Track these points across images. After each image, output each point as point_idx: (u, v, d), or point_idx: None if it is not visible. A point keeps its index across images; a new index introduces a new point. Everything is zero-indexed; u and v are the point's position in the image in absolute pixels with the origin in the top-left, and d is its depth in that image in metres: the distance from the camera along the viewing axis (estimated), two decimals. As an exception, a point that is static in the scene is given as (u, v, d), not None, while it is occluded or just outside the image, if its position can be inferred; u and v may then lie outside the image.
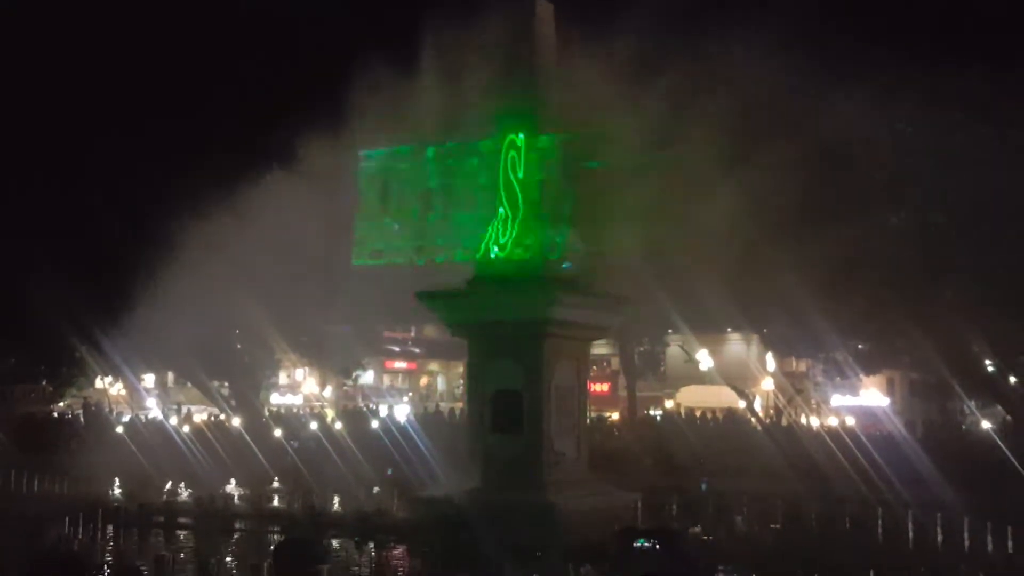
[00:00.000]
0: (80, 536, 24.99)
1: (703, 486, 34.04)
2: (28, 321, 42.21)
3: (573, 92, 25.09)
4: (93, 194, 42.37)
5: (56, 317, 41.17)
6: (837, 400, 59.69)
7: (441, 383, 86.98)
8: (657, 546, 20.70)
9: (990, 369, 45.12)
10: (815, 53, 28.10)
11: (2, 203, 41.41)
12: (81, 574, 7.56)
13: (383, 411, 53.95)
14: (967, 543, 23.26)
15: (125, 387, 65.92)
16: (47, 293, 38.89)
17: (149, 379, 66.83)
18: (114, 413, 54.55)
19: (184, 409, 56.33)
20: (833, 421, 51.71)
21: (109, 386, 67.02)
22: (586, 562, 19.01)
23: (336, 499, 29.74)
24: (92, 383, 63.19)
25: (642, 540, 20.50)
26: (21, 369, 53.22)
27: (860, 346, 48.64)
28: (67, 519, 26.11)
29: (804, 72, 28.21)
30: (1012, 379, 45.38)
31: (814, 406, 59.97)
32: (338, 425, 45.04)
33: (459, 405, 48.98)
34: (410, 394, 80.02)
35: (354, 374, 64.40)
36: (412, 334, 79.78)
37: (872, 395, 59.19)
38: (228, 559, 22.52)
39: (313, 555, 18.50)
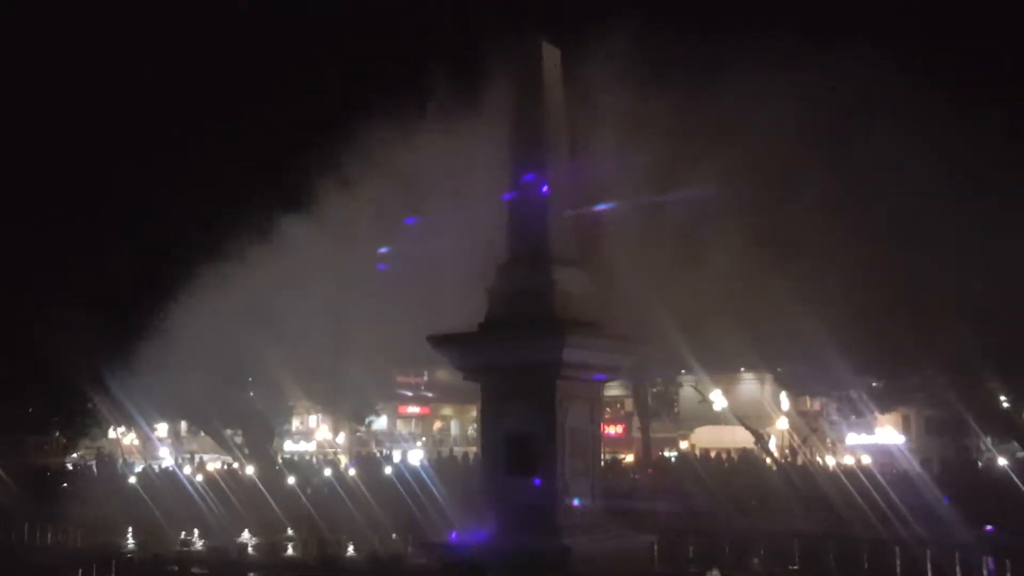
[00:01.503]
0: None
1: None
2: (43, 371, 42.31)
3: (583, 137, 25.09)
4: (106, 243, 42.55)
5: (70, 367, 41.26)
6: (852, 439, 59.42)
7: (455, 427, 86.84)
8: None
9: (1005, 405, 44.97)
10: (827, 88, 28.15)
11: (17, 254, 41.58)
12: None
13: (397, 456, 53.84)
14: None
15: (138, 437, 66.03)
16: (61, 343, 39.00)
17: (162, 428, 66.80)
18: (127, 463, 54.54)
19: (197, 458, 56.32)
20: (849, 460, 51.47)
21: (122, 436, 67.12)
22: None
23: (350, 546, 29.64)
24: (105, 433, 63.28)
25: None
26: (36, 419, 53.26)
27: (874, 384, 48.51)
28: (80, 570, 26.06)
29: (815, 110, 28.26)
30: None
31: (829, 445, 59.72)
32: (352, 471, 44.95)
33: (473, 449, 48.83)
34: (424, 439, 79.85)
35: (367, 420, 64.37)
36: (425, 378, 79.76)
37: (887, 433, 58.95)
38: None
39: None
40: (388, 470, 43.55)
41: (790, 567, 26.52)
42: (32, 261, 40.81)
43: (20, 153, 40.87)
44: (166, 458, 56.69)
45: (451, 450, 58.52)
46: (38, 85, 42.30)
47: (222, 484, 42.39)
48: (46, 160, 41.28)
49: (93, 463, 54.39)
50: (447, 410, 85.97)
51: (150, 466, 52.31)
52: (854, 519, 31.80)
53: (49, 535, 34.12)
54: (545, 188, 22.69)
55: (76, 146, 41.97)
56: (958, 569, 24.11)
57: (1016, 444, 47.54)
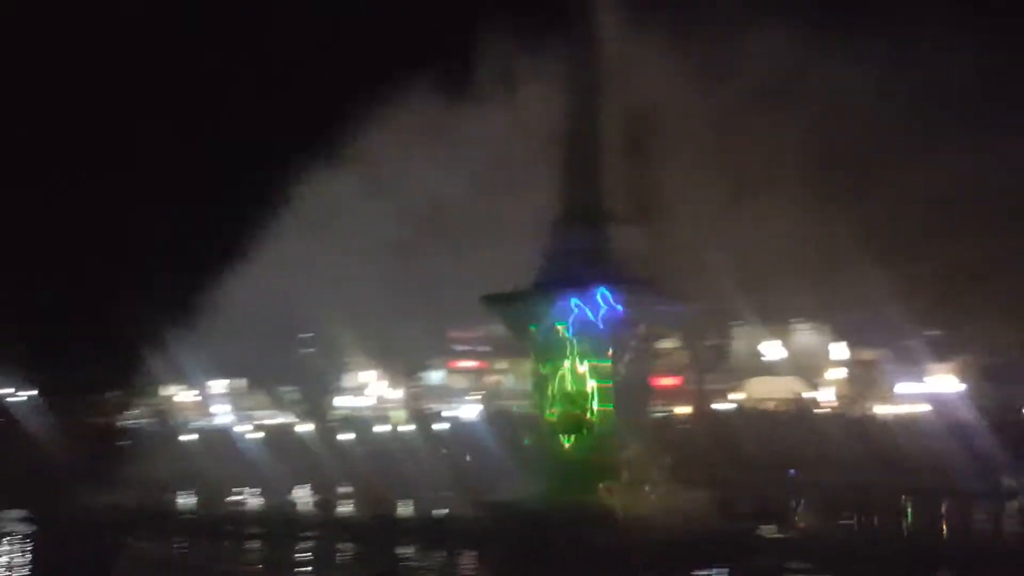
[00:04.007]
0: (154, 544, 25.11)
1: (792, 473, 33.69)
2: (112, 333, 42.77)
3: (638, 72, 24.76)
4: (163, 216, 42.83)
5: (133, 327, 41.69)
6: (905, 387, 58.68)
7: (509, 381, 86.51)
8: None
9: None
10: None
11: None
12: None
13: (451, 412, 53.95)
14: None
15: (195, 395, 66.58)
16: (128, 307, 39.38)
17: (218, 385, 67.17)
18: (183, 421, 55.05)
19: (257, 417, 56.68)
20: (905, 409, 50.92)
21: (178, 394, 67.69)
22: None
23: (406, 503, 29.63)
24: (160, 392, 63.84)
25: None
26: (104, 379, 53.84)
27: (932, 333, 47.97)
28: (138, 529, 26.34)
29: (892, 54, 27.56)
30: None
31: (886, 394, 59.06)
32: (406, 427, 45.08)
33: (527, 404, 48.84)
34: (478, 393, 79.70)
35: (421, 375, 64.49)
36: (481, 333, 79.53)
37: (944, 381, 58.19)
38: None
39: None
40: (443, 426, 43.60)
41: (841, 520, 26.26)
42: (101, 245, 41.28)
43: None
44: (220, 415, 57.11)
45: (505, 405, 58.50)
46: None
47: (278, 441, 42.68)
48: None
49: (149, 421, 54.97)
50: (502, 364, 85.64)
51: (207, 424, 52.75)
52: (910, 470, 31.47)
53: (107, 494, 34.51)
54: (600, 145, 22.53)
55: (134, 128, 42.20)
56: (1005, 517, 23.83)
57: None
